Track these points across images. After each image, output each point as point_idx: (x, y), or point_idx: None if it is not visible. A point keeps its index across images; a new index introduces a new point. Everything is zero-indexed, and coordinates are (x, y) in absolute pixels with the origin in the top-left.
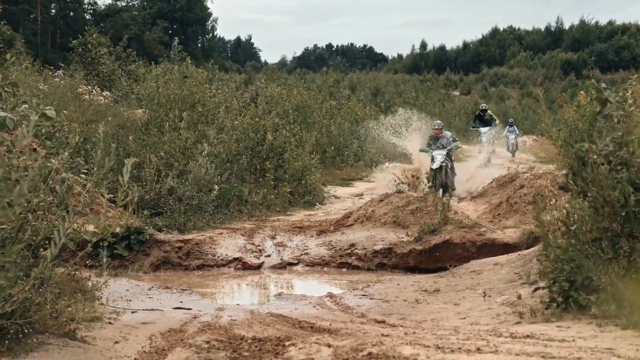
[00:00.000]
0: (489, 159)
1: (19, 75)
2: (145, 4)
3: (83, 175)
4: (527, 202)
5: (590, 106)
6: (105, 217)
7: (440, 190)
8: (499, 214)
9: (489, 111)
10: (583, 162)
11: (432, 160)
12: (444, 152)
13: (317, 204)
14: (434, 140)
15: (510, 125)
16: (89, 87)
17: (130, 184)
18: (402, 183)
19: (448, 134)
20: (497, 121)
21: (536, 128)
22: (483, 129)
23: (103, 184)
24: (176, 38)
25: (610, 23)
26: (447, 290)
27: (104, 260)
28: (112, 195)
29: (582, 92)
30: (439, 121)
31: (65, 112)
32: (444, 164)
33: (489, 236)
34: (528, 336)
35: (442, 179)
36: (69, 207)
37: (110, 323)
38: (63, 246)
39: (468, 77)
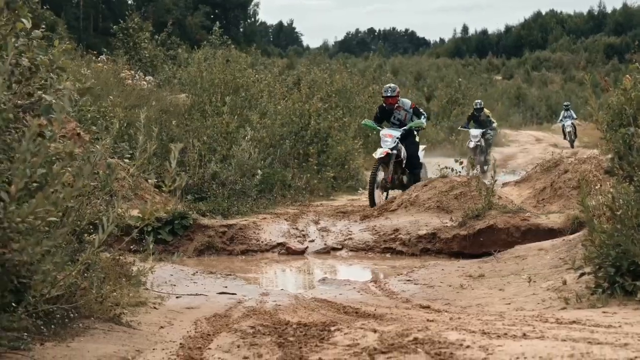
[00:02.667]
0: (481, 169)
1: (65, 61)
2: None
3: (127, 160)
4: (571, 187)
5: (636, 90)
6: (152, 203)
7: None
8: (543, 199)
9: (485, 110)
10: (629, 146)
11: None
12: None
13: (360, 188)
14: (386, 115)
15: (567, 109)
16: (132, 72)
17: (177, 169)
18: (446, 168)
19: (407, 102)
20: (495, 124)
21: (579, 112)
22: (474, 131)
23: (148, 169)
24: (218, 22)
25: None
26: (491, 275)
27: (150, 245)
28: (157, 180)
29: (627, 75)
30: (391, 85)
31: (111, 97)
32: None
33: (534, 221)
34: (574, 322)
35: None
36: (114, 192)
37: (155, 308)
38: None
39: (510, 61)
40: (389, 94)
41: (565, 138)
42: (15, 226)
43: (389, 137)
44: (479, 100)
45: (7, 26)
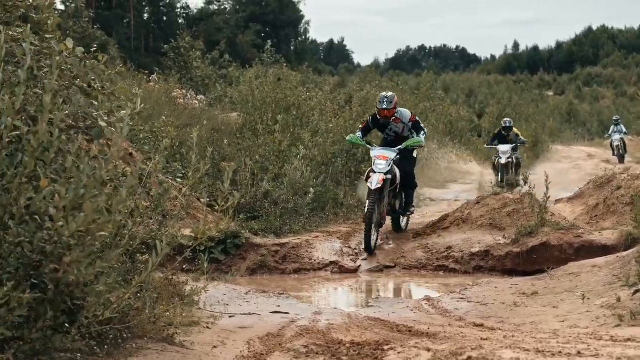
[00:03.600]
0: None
1: (122, 87)
2: (238, 7)
3: (179, 180)
4: (624, 203)
5: None
6: (205, 222)
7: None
8: (596, 216)
9: (514, 129)
10: None
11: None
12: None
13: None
14: (380, 127)
15: (617, 124)
16: (183, 91)
17: (230, 189)
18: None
19: (406, 114)
20: (526, 143)
21: (631, 128)
22: (503, 147)
23: (200, 188)
24: (269, 41)
25: None
26: (545, 292)
27: (205, 265)
28: (209, 200)
29: None
30: (388, 94)
31: (163, 117)
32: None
33: (587, 238)
34: (629, 339)
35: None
36: (166, 211)
37: (208, 327)
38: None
39: (562, 77)
40: (384, 106)
41: (613, 154)
42: (65, 240)
43: (383, 159)
44: (509, 119)
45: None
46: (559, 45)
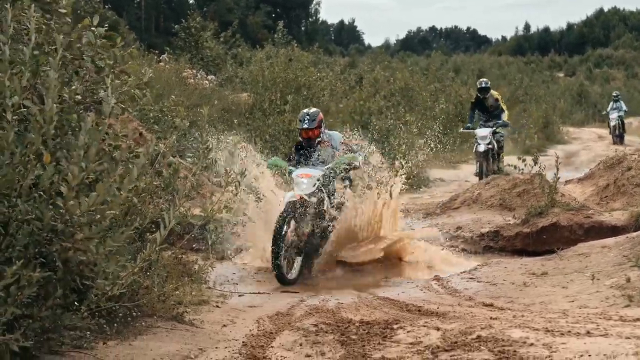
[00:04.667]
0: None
1: (131, 65)
2: None
3: (189, 159)
4: (635, 184)
5: None
6: (210, 201)
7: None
8: (606, 196)
9: (492, 92)
10: None
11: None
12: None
13: (423, 187)
14: (304, 154)
15: (616, 100)
16: (194, 71)
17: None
18: (509, 166)
19: (335, 137)
20: (505, 114)
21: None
22: (481, 131)
23: (210, 168)
24: (280, 22)
25: None
26: (554, 273)
27: (210, 242)
28: (219, 179)
29: None
30: (311, 110)
31: (173, 97)
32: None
33: (597, 218)
34: (638, 319)
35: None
36: (176, 190)
37: (217, 306)
38: (170, 230)
39: (572, 59)
40: (306, 125)
41: (610, 133)
42: (76, 219)
43: (306, 177)
44: (485, 79)
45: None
46: (570, 26)
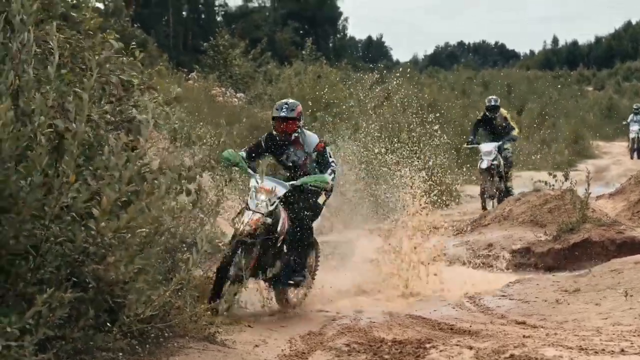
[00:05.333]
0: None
1: (158, 80)
2: (276, 4)
3: (218, 177)
4: None
5: None
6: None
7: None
8: (638, 212)
9: (502, 111)
10: None
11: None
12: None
13: (453, 203)
14: (275, 149)
15: (637, 113)
16: (223, 89)
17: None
18: (540, 182)
19: (312, 139)
20: (515, 131)
21: None
22: (486, 146)
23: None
24: (309, 38)
25: None
26: (587, 289)
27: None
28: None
29: None
30: (289, 101)
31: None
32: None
33: (629, 234)
34: None
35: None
36: (207, 209)
37: (249, 326)
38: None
39: (601, 72)
40: (283, 114)
41: (628, 146)
42: (107, 241)
43: (266, 192)
44: (494, 97)
45: (98, 47)
46: (598, 40)
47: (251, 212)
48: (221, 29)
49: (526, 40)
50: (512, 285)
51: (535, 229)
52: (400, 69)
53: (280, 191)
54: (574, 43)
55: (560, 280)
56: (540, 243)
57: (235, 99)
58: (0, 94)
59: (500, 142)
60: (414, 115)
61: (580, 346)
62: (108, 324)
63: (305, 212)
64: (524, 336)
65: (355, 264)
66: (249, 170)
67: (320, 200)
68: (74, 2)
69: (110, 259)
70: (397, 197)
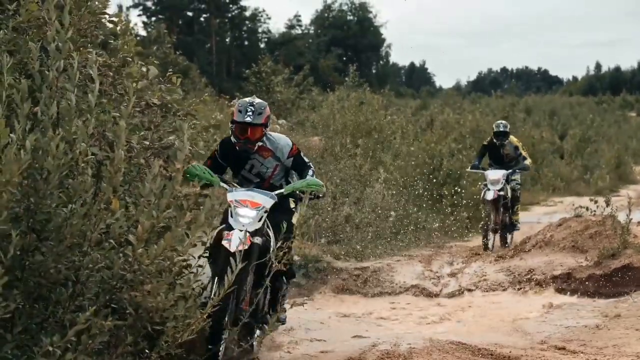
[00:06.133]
0: (502, 239)
1: (201, 107)
2: (319, 31)
3: None
4: None
5: None
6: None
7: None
8: None
9: (512, 139)
10: None
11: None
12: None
13: None
14: (237, 160)
15: None
16: None
17: (310, 212)
18: (581, 207)
19: (282, 143)
20: (528, 161)
21: None
22: (493, 174)
23: None
24: (354, 64)
25: None
26: (628, 315)
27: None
28: None
29: None
30: (254, 100)
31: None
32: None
33: None
34: None
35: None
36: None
37: (289, 352)
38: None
39: None
40: (248, 119)
41: None
42: (145, 268)
43: (251, 206)
44: (503, 122)
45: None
46: None
47: (239, 231)
48: (264, 55)
49: (569, 66)
50: (553, 311)
51: (577, 254)
52: (443, 95)
53: (268, 203)
54: (617, 69)
55: (600, 305)
56: (581, 268)
57: (278, 126)
58: (44, 125)
59: (510, 171)
60: (456, 141)
61: None
62: (146, 350)
63: (284, 219)
64: None
65: (394, 289)
66: (222, 184)
67: (294, 219)
68: (113, 29)
69: (147, 287)
70: (438, 222)
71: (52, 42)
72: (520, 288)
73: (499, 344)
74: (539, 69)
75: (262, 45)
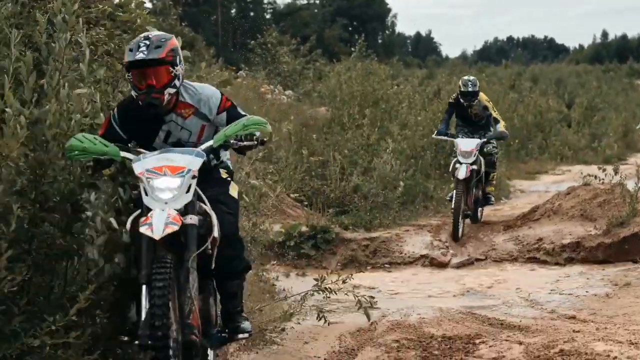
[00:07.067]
0: (473, 214)
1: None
2: (325, 1)
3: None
4: None
5: None
6: (294, 217)
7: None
8: None
9: (482, 96)
10: None
11: (455, 159)
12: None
13: (503, 198)
14: (141, 126)
15: None
16: (271, 86)
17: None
18: (589, 175)
19: (209, 93)
20: (501, 125)
21: None
22: (465, 143)
23: (290, 185)
24: (362, 35)
25: None
26: (638, 284)
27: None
28: (298, 195)
29: None
30: (155, 33)
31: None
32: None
33: None
34: None
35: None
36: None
37: (298, 323)
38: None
39: None
40: (137, 55)
41: None
42: None
43: (171, 172)
44: (470, 79)
45: None
46: None
47: (160, 210)
48: (269, 26)
49: (576, 34)
50: (562, 280)
51: (585, 223)
52: (450, 65)
53: (195, 163)
54: (624, 36)
55: (610, 274)
56: (590, 237)
57: (284, 96)
58: (46, 94)
59: (484, 139)
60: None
61: (631, 340)
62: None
63: (225, 210)
64: (573, 331)
65: (404, 260)
66: (123, 153)
67: (233, 191)
68: (120, 1)
69: None
70: (446, 192)
71: (58, 14)
72: (530, 257)
73: (508, 313)
74: (545, 37)
75: (267, 16)
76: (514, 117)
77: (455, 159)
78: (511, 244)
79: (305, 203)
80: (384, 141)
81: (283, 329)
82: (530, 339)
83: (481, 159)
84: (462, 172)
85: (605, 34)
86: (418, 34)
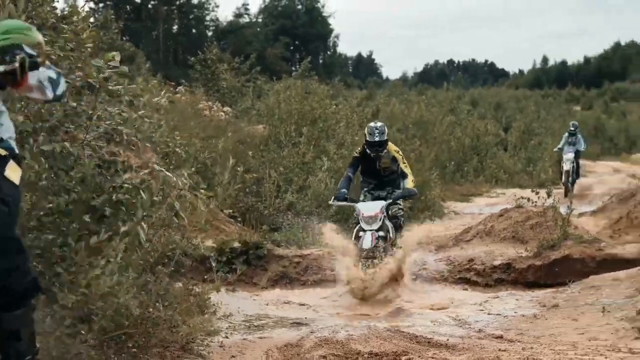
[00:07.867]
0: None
1: (145, 87)
2: (267, 20)
3: (203, 192)
4: None
5: None
6: (226, 233)
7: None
8: (619, 229)
9: (390, 146)
10: None
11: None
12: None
13: (437, 219)
14: None
15: (572, 134)
16: (210, 103)
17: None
18: (522, 198)
19: None
20: (409, 180)
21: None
22: (366, 208)
23: (224, 201)
24: (304, 54)
25: None
26: (565, 305)
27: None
28: (232, 211)
29: None
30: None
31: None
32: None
33: (609, 251)
34: None
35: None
36: (189, 224)
37: (226, 337)
38: (182, 261)
39: (590, 92)
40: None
41: (561, 179)
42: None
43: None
44: (378, 125)
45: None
46: (587, 60)
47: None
48: (211, 43)
49: (516, 59)
50: (492, 300)
51: (517, 245)
52: (391, 86)
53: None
54: (563, 63)
55: (539, 295)
56: (521, 259)
57: (222, 113)
58: None
59: (389, 201)
60: (400, 132)
61: None
62: (83, 332)
63: None
64: (500, 350)
65: (333, 281)
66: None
67: (12, 174)
68: (64, 13)
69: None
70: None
71: None
72: (460, 277)
73: (436, 331)
74: (486, 61)
75: (209, 34)
76: (451, 140)
77: (358, 226)
78: (442, 264)
79: (239, 219)
80: (319, 159)
81: (209, 343)
82: (456, 357)
83: (388, 223)
84: (367, 242)
85: (545, 60)
86: (359, 55)
